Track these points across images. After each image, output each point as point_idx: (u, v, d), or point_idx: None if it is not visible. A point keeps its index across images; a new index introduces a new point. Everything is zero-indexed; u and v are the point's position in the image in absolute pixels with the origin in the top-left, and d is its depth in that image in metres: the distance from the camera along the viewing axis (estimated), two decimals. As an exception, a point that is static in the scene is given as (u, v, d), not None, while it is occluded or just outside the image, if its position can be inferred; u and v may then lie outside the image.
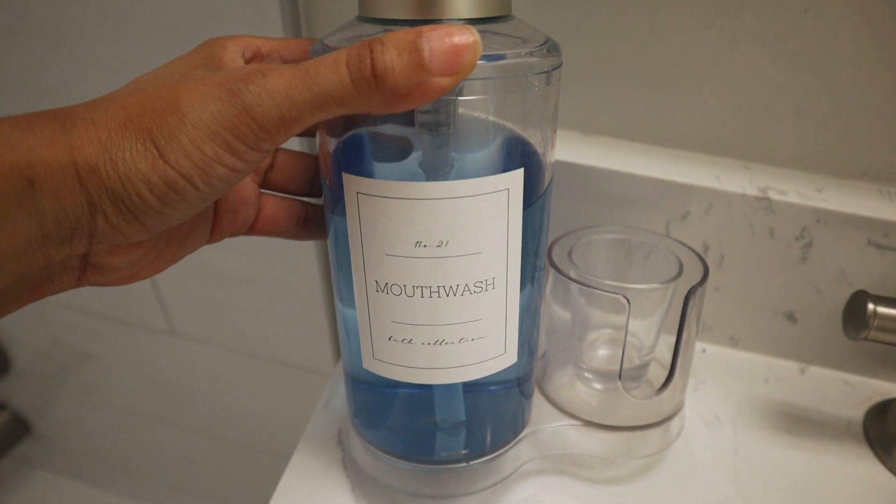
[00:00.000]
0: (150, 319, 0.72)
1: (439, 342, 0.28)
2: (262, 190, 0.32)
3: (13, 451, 1.01)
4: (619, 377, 0.34)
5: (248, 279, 0.61)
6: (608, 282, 0.34)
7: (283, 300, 0.62)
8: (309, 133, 0.30)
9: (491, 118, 0.27)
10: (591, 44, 0.39)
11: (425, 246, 0.26)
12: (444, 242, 0.26)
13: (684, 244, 0.37)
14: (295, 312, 0.62)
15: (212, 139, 0.21)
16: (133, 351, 0.78)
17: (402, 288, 0.27)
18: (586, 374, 0.39)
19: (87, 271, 0.24)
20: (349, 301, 0.29)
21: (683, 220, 0.40)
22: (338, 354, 0.64)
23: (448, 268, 0.26)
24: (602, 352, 0.40)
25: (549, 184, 0.30)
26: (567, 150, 0.40)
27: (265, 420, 0.77)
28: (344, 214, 0.27)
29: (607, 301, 0.35)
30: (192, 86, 0.21)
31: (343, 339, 0.33)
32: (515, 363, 0.31)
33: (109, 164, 0.20)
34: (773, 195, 0.38)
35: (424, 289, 0.27)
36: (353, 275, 0.28)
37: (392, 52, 0.21)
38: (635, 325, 0.37)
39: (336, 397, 0.41)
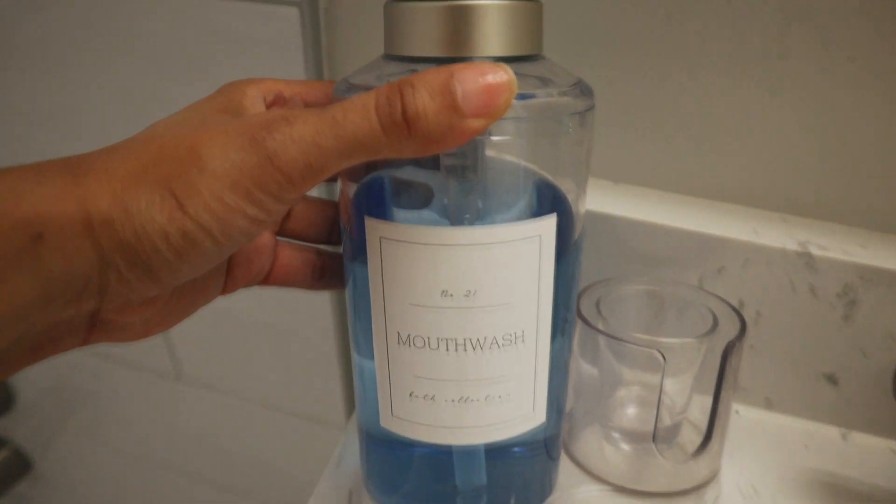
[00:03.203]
0: (157, 362, 0.70)
1: (464, 400, 0.26)
2: (279, 238, 0.30)
3: (13, 489, 0.99)
4: (654, 439, 0.32)
5: (259, 324, 0.60)
6: (641, 336, 0.32)
7: (293, 347, 0.60)
8: (329, 179, 0.29)
9: (521, 162, 0.25)
10: (622, 88, 0.38)
11: (451, 295, 0.24)
12: (472, 292, 0.24)
13: (720, 298, 0.35)
14: (306, 361, 0.60)
15: (233, 190, 0.19)
16: (139, 393, 0.76)
17: (426, 340, 0.25)
18: (614, 434, 0.37)
19: (94, 330, 0.22)
20: (367, 352, 0.28)
21: (718, 275, 0.38)
22: (350, 406, 0.61)
23: (475, 319, 0.25)
24: (631, 410, 0.37)
25: (581, 233, 0.28)
26: (595, 199, 0.39)
27: (272, 471, 0.74)
28: (365, 262, 0.25)
29: (639, 356, 0.33)
30: (213, 133, 0.20)
31: (359, 394, 0.31)
32: (543, 423, 0.29)
33: (124, 215, 0.19)
34: (814, 250, 0.36)
35: (450, 341, 0.25)
36: (373, 326, 0.26)
37: (424, 95, 0.20)
38: (667, 383, 0.35)
39: (348, 455, 0.38)
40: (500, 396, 0.26)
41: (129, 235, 0.19)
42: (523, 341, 0.26)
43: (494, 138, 0.24)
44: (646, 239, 0.38)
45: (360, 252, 0.26)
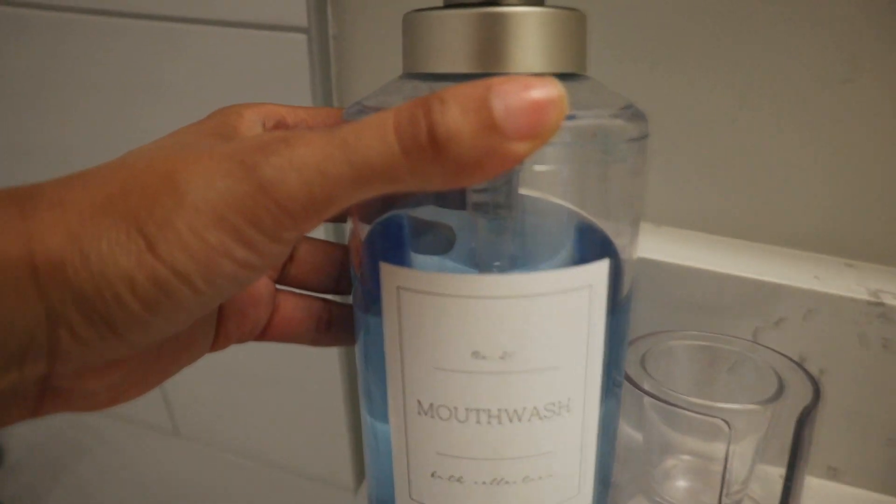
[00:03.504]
0: (152, 417, 0.66)
1: (497, 482, 0.22)
2: (279, 286, 0.26)
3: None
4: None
5: (261, 375, 0.55)
6: (699, 401, 0.27)
7: (298, 402, 0.55)
8: (338, 218, 0.25)
9: (563, 200, 0.21)
10: (665, 119, 0.34)
11: (485, 358, 0.20)
12: (509, 354, 0.20)
13: (783, 355, 0.30)
14: (311, 417, 0.55)
15: (218, 226, 0.15)
16: (132, 449, 0.72)
17: (453, 411, 0.21)
18: (662, 511, 0.32)
19: (46, 399, 0.18)
20: (382, 415, 0.23)
21: (776, 327, 0.33)
22: (359, 466, 0.57)
23: (513, 386, 0.21)
24: (681, 483, 0.33)
25: (633, 282, 0.24)
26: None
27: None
28: (380, 313, 0.21)
29: (694, 422, 0.29)
30: (195, 158, 0.16)
31: (371, 462, 0.26)
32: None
33: (79, 258, 0.15)
34: (888, 299, 0.31)
35: (482, 412, 0.21)
36: (389, 391, 0.22)
37: (455, 112, 0.15)
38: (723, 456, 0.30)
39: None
40: (540, 477, 0.22)
41: (85, 283, 0.15)
42: (569, 411, 0.21)
43: (537, 168, 0.20)
44: (694, 287, 0.34)
45: (373, 302, 0.22)
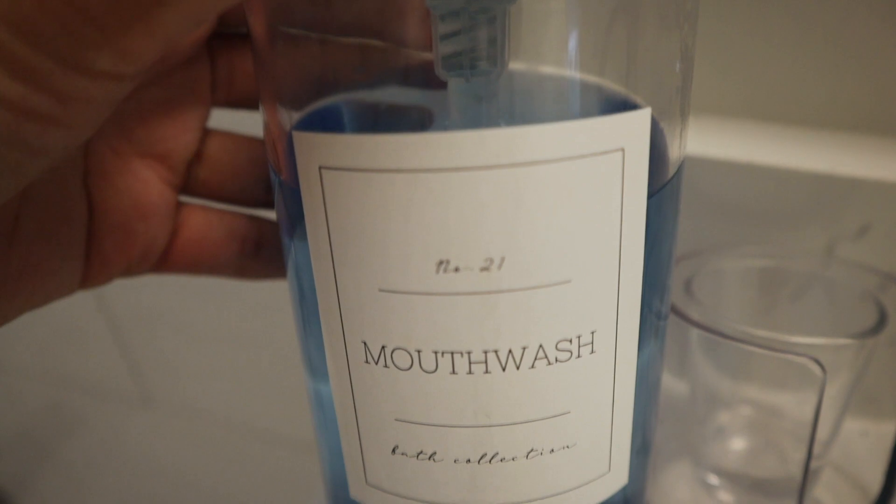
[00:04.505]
0: (121, 388, 0.60)
1: (487, 458, 0.15)
2: (183, 198, 0.19)
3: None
4: (800, 498, 0.20)
5: (233, 339, 0.49)
6: (768, 334, 0.20)
7: (276, 365, 0.49)
8: (247, 103, 0.18)
9: (572, 48, 0.13)
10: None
11: (457, 270, 0.13)
12: (497, 262, 0.13)
13: (878, 272, 0.23)
14: (291, 380, 0.49)
15: None
16: (108, 425, 0.66)
17: (415, 356, 0.14)
18: (710, 480, 0.25)
19: None
20: (322, 373, 0.16)
21: (859, 237, 0.25)
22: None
23: (505, 313, 0.13)
24: (738, 444, 0.25)
25: (681, 165, 0.16)
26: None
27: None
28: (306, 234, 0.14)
29: (755, 364, 0.21)
30: None
31: (320, 437, 0.19)
32: (625, 486, 0.17)
33: None
34: None
35: (458, 357, 0.13)
36: (324, 331, 0.15)
37: None
38: (801, 408, 0.23)
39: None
40: (552, 450, 0.15)
41: None
42: (593, 351, 0.14)
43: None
44: (747, 189, 0.26)
45: (299, 214, 0.14)
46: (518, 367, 0.14)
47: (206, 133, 0.19)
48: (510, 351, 0.13)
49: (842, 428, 0.23)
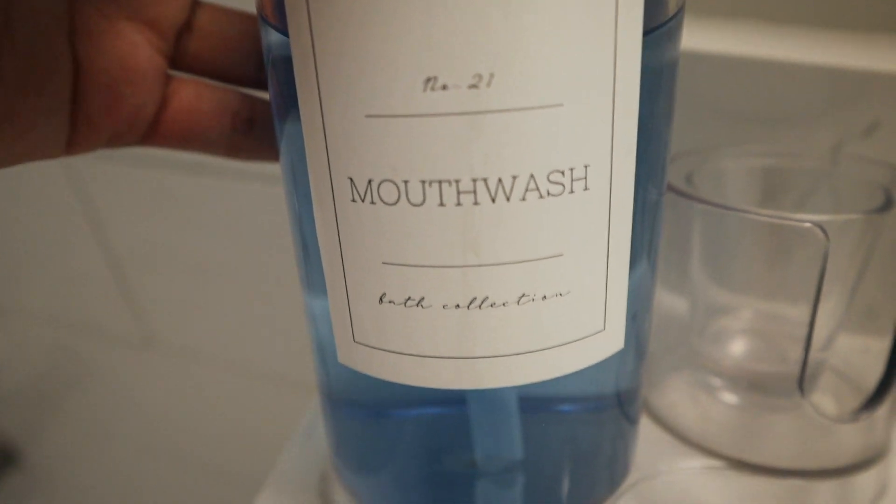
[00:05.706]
0: (125, 331, 0.60)
1: (477, 303, 0.14)
2: (174, 72, 0.19)
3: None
4: (800, 384, 0.19)
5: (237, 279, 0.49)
6: (771, 212, 0.19)
7: (279, 306, 0.49)
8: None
9: None
10: None
11: (445, 88, 0.12)
12: (486, 78, 0.12)
13: (883, 163, 0.22)
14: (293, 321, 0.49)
15: None
16: (112, 370, 0.66)
17: (402, 188, 0.13)
18: (712, 381, 0.24)
19: None
20: (318, 287, 0.16)
21: (867, 136, 0.25)
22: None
23: (494, 137, 0.13)
24: (738, 346, 0.25)
25: (681, 8, 0.16)
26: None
27: (267, 446, 0.64)
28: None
29: (756, 270, 0.21)
30: None
31: (313, 335, 0.19)
32: (621, 352, 0.16)
33: None
34: None
35: (446, 186, 0.13)
36: (309, 167, 0.14)
37: None
38: (800, 310, 0.22)
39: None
40: (545, 296, 0.14)
41: None
42: (587, 188, 0.14)
43: None
44: (749, 85, 0.25)
45: (289, 58, 0.14)
46: (508, 199, 0.13)
47: (197, 5, 0.19)
48: (500, 180, 0.13)
49: (840, 337, 0.23)
